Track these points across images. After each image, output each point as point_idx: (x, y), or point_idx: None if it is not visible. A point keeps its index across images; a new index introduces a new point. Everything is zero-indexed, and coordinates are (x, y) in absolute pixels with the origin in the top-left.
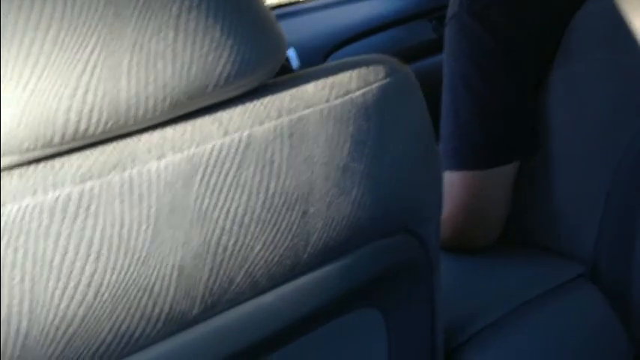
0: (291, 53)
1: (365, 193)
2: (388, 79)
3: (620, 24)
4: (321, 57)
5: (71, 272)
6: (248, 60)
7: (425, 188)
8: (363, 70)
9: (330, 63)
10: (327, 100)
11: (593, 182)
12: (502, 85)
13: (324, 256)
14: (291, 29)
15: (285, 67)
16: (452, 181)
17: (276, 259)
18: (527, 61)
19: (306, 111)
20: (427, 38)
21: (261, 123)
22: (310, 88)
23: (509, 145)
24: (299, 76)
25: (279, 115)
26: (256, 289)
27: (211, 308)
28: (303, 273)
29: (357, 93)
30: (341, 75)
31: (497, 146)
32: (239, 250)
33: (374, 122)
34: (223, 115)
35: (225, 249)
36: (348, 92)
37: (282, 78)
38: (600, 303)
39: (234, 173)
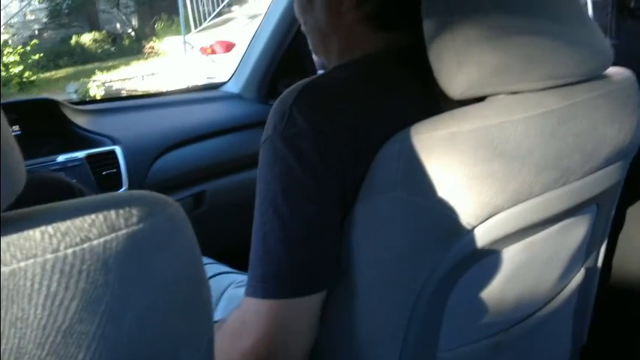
0: (117, 151)
1: (95, 358)
2: (141, 225)
3: (414, 166)
4: (151, 157)
5: None
6: None
7: (182, 344)
8: (111, 215)
9: (75, 201)
10: (56, 251)
11: (395, 311)
12: (307, 214)
13: None
14: (121, 125)
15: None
16: (257, 310)
17: None
18: (333, 193)
19: (24, 263)
20: None
21: None
22: (37, 235)
23: (314, 275)
24: (29, 216)
25: None
26: None
27: None
28: None
29: (96, 242)
30: (80, 219)
31: (302, 275)
32: None
33: (114, 276)
34: None
35: None
36: (84, 241)
37: (8, 215)
38: None
39: None
